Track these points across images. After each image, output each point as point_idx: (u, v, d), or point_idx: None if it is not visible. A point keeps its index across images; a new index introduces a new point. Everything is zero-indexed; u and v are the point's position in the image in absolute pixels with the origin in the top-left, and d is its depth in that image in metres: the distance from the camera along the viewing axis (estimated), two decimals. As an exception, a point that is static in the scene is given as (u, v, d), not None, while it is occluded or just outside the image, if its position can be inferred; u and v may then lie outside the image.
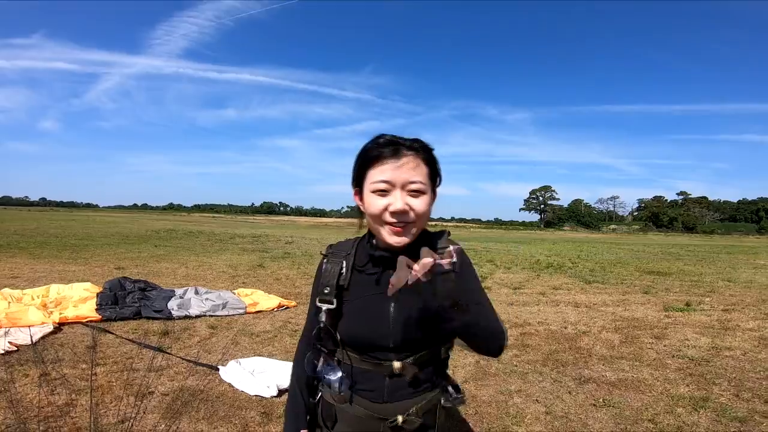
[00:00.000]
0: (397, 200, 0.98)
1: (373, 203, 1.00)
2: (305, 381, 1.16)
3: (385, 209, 0.99)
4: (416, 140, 1.02)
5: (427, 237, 1.11)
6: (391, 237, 1.01)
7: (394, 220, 0.99)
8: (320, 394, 1.15)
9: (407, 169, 0.98)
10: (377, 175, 0.99)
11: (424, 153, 1.02)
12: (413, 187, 0.99)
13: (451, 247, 0.99)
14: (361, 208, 1.06)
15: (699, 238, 50.97)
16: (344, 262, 1.10)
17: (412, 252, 1.04)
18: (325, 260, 1.12)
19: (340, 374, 1.07)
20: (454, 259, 0.94)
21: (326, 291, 1.07)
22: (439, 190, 1.10)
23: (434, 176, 1.05)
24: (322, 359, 1.11)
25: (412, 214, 0.99)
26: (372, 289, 1.06)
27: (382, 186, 0.99)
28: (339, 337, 1.08)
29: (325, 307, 1.07)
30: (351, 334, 1.07)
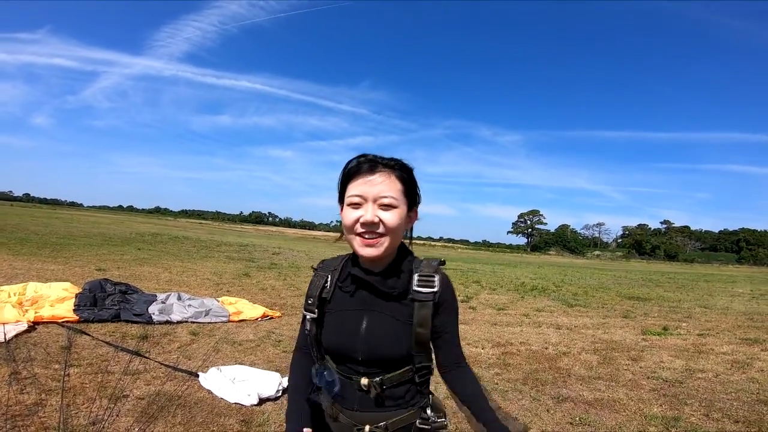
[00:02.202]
0: (368, 212, 1.05)
1: (347, 215, 1.08)
2: (302, 386, 1.20)
3: (357, 221, 1.06)
4: (394, 159, 1.11)
5: (407, 259, 1.16)
6: (362, 248, 1.07)
7: (364, 232, 1.06)
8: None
9: (379, 184, 1.06)
10: (352, 189, 1.08)
11: (400, 171, 1.10)
12: (384, 201, 1.06)
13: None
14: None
15: (679, 267, 52.12)
16: (329, 276, 1.17)
17: (390, 269, 1.12)
18: (314, 274, 1.21)
19: (334, 378, 1.12)
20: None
21: (310, 302, 1.15)
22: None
23: (411, 194, 1.12)
24: (317, 366, 1.17)
25: (381, 227, 1.06)
26: (349, 304, 1.13)
27: (356, 200, 1.07)
28: (322, 346, 1.15)
29: (308, 316, 1.15)
30: (328, 344, 1.14)
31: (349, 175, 1.09)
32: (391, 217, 1.06)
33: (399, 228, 1.09)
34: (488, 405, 1.12)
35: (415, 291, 1.10)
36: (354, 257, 1.16)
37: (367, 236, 1.06)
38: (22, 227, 17.78)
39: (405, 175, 1.10)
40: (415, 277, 1.11)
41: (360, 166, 1.08)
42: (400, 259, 1.15)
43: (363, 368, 1.11)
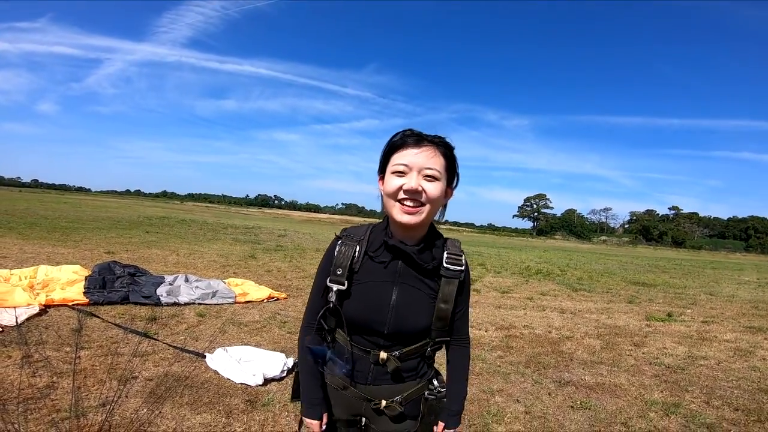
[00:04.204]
0: (412, 180, 1.08)
1: (391, 182, 1.10)
2: (317, 371, 1.20)
3: (400, 188, 1.09)
4: (438, 136, 1.13)
5: (437, 236, 1.19)
6: (401, 215, 1.09)
7: (406, 198, 1.08)
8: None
9: (425, 156, 1.09)
10: (398, 158, 1.10)
11: (444, 148, 1.13)
12: (428, 172, 1.09)
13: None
14: (382, 192, 1.15)
15: (686, 253, 51.75)
16: (358, 246, 1.16)
17: (424, 244, 1.15)
18: (339, 242, 1.18)
19: (344, 357, 1.15)
20: None
21: (339, 272, 1.13)
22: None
23: (451, 172, 1.14)
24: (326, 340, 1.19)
25: (424, 196, 1.08)
26: (380, 275, 1.13)
27: (401, 168, 1.09)
28: (343, 317, 1.15)
29: (335, 287, 1.13)
30: (353, 315, 1.13)
31: (394, 146, 1.12)
32: (433, 188, 1.09)
33: (438, 200, 1.12)
34: (463, 381, 1.25)
35: (445, 268, 1.14)
36: (387, 228, 1.17)
37: (408, 203, 1.08)
38: (31, 212, 18.01)
39: (448, 152, 1.13)
40: (445, 254, 1.16)
41: (406, 139, 1.11)
42: (431, 235, 1.18)
43: (384, 341, 1.12)
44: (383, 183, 1.14)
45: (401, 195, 1.09)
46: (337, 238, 1.19)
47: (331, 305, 1.13)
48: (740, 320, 7.02)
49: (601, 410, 3.19)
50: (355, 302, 1.13)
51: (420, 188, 1.07)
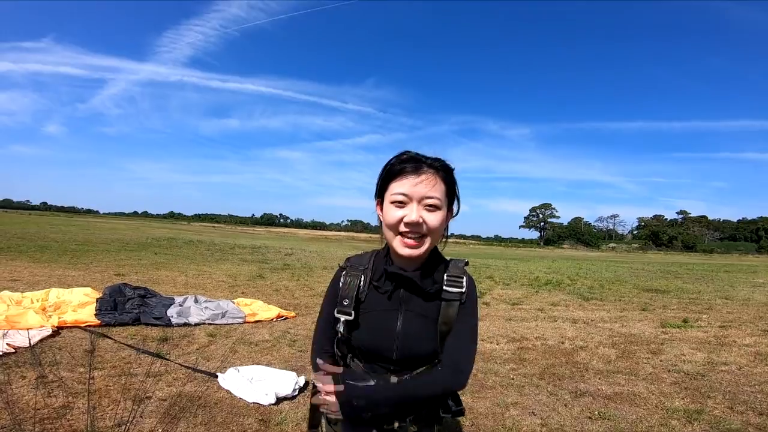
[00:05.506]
0: (413, 212, 1.06)
1: (390, 213, 1.08)
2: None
3: (401, 220, 1.07)
4: (437, 159, 1.11)
5: (439, 259, 1.18)
6: (402, 248, 1.08)
7: (408, 231, 1.07)
8: None
9: (425, 185, 1.06)
10: (397, 187, 1.08)
11: (444, 172, 1.10)
12: (429, 202, 1.07)
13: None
14: (381, 218, 1.14)
15: (698, 257, 50.88)
16: (362, 276, 1.16)
17: (425, 269, 1.14)
18: (343, 273, 1.19)
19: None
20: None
21: (345, 303, 1.14)
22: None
23: (451, 195, 1.13)
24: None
25: (424, 227, 1.07)
26: (384, 304, 1.14)
27: (400, 198, 1.07)
28: (353, 346, 1.16)
29: (343, 318, 1.14)
30: (361, 344, 1.14)
31: (392, 172, 1.09)
32: (434, 219, 1.07)
33: (440, 229, 1.10)
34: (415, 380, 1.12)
35: (445, 290, 1.12)
36: (388, 255, 1.16)
37: (409, 236, 1.07)
38: (41, 235, 18.27)
39: (448, 176, 1.11)
40: (445, 277, 1.14)
41: (404, 166, 1.08)
42: (432, 258, 1.16)
43: (394, 366, 1.12)
44: (382, 210, 1.13)
45: (402, 228, 1.06)
46: (341, 268, 1.20)
47: (340, 335, 1.14)
48: (758, 324, 6.86)
49: (621, 420, 3.12)
50: (363, 331, 1.14)
51: (421, 220, 1.05)
